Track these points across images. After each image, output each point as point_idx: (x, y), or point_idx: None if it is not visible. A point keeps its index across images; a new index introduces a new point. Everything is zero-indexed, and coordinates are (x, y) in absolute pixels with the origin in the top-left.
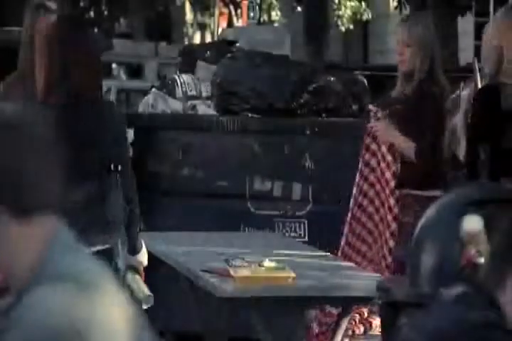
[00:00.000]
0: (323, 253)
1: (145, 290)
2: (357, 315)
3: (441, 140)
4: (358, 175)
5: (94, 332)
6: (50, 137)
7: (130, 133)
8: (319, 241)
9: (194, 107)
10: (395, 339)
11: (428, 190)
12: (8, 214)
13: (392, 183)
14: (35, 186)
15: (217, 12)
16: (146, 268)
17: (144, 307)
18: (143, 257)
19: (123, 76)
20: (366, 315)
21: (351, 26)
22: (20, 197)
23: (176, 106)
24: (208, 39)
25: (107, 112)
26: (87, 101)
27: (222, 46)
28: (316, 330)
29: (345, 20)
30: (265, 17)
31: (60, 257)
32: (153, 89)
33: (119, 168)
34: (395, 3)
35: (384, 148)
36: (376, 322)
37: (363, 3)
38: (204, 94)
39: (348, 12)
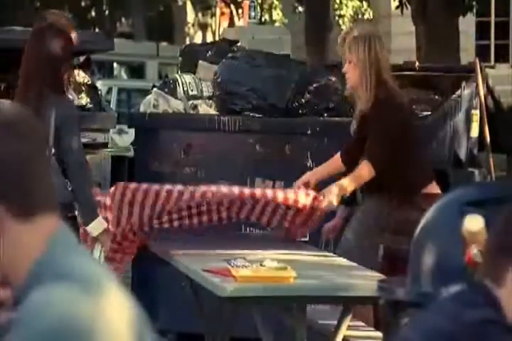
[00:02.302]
0: (325, 253)
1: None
2: None
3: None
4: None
5: (96, 332)
6: (45, 136)
7: (131, 133)
8: (320, 241)
9: (195, 107)
10: (395, 339)
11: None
12: (9, 214)
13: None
14: (36, 185)
15: (218, 12)
16: (147, 268)
17: None
18: (92, 228)
19: (124, 76)
20: None
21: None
22: (21, 196)
23: (177, 105)
24: (209, 39)
25: (54, 106)
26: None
27: (224, 46)
28: None
29: (346, 19)
30: (266, 17)
31: (61, 257)
32: (155, 89)
33: (57, 156)
34: (397, 3)
35: None
36: None
37: (364, 3)
38: (205, 94)
39: (350, 12)
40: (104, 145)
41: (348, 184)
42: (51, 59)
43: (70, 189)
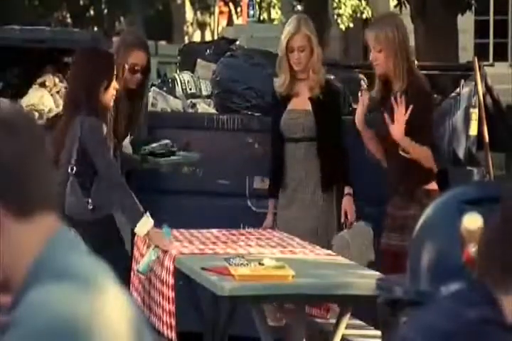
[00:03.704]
0: (323, 252)
1: (141, 263)
2: None
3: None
4: None
5: (94, 331)
6: (44, 135)
7: None
8: None
9: (194, 105)
10: (393, 339)
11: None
12: (8, 213)
13: None
14: (34, 184)
15: (217, 10)
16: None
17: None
18: (138, 230)
19: None
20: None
21: (351, 25)
22: (19, 195)
23: (175, 104)
24: (208, 37)
25: (80, 126)
26: None
27: (222, 44)
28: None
29: (345, 18)
30: (265, 15)
31: (60, 256)
32: (153, 88)
33: (79, 174)
34: (395, 2)
35: None
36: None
37: (362, 2)
38: (204, 93)
39: (348, 10)
40: None
41: (413, 148)
42: (88, 81)
43: (90, 207)
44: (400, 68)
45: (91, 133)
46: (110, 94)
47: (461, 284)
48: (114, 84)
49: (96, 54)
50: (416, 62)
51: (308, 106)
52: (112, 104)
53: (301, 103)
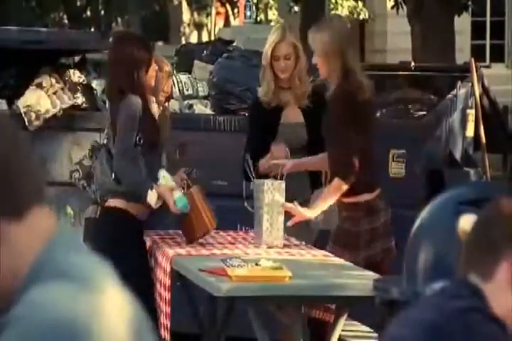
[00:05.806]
0: (320, 253)
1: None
2: None
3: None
4: None
5: (94, 330)
6: (22, 135)
7: None
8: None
9: (191, 106)
10: (386, 338)
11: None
12: (3, 215)
13: None
14: (25, 183)
15: (214, 11)
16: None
17: None
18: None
19: None
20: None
21: (348, 26)
22: (11, 196)
23: (172, 105)
24: (205, 38)
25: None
26: None
27: (219, 45)
28: None
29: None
30: (262, 16)
31: (61, 255)
32: None
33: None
34: (392, 3)
35: None
36: None
37: (359, 3)
38: (201, 94)
39: (345, 12)
40: None
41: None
42: (130, 66)
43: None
44: (334, 74)
45: (124, 109)
46: (150, 76)
47: (445, 282)
48: (154, 66)
49: (133, 39)
50: (413, 63)
51: (301, 118)
52: (152, 84)
53: (293, 115)
